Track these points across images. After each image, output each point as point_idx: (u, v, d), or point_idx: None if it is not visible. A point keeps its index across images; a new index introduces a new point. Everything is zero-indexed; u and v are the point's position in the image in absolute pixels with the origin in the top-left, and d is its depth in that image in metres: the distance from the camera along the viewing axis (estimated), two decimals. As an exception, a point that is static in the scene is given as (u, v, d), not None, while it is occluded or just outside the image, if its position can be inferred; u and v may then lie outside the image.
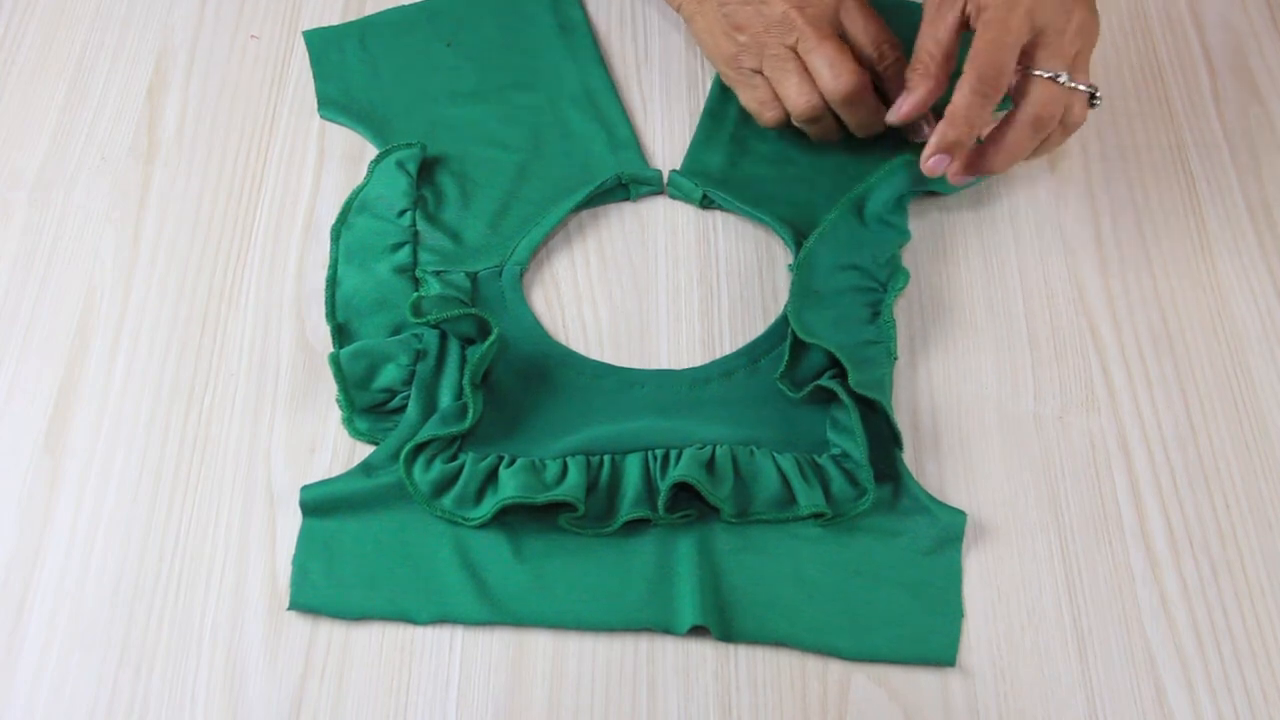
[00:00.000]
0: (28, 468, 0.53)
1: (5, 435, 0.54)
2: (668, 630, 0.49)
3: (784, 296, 0.59)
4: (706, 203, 0.62)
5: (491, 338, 0.53)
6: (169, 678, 0.49)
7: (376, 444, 0.54)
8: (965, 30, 0.55)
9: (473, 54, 0.67)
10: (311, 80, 0.66)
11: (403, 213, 0.59)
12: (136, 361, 0.57)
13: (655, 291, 0.60)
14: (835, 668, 0.49)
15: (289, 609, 0.50)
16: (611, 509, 0.52)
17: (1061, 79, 0.54)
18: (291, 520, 0.52)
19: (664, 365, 0.57)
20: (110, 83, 0.67)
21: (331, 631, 0.50)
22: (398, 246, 0.58)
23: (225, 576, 0.51)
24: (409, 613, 0.50)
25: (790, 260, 0.60)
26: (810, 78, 0.59)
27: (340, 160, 0.64)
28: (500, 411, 0.54)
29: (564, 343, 0.58)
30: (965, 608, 0.50)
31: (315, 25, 0.69)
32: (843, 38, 0.59)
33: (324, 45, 0.68)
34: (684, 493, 0.52)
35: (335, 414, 0.55)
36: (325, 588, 0.50)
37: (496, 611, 0.50)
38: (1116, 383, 0.57)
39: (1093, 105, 0.56)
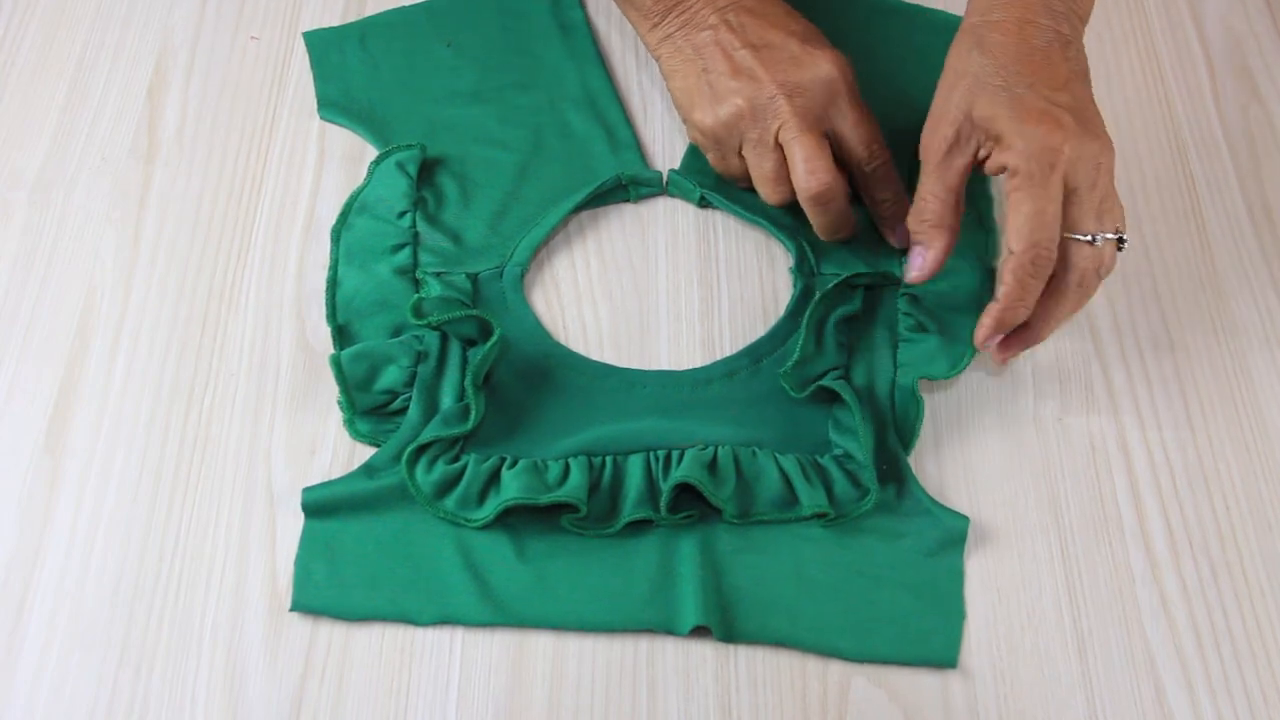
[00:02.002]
0: (28, 468, 0.53)
1: (5, 435, 0.54)
2: (670, 631, 0.49)
3: (784, 297, 0.59)
4: (704, 203, 0.62)
5: (493, 339, 0.53)
6: (169, 678, 0.49)
7: (378, 446, 0.54)
8: (974, 172, 0.53)
9: (473, 54, 0.67)
10: (311, 81, 0.66)
11: (403, 214, 0.59)
12: (136, 361, 0.57)
13: (656, 292, 0.60)
14: (835, 668, 0.49)
15: (291, 610, 0.50)
16: (614, 510, 0.52)
17: (1097, 241, 0.51)
18: (291, 521, 0.52)
19: (664, 365, 0.57)
20: (110, 83, 0.67)
21: (332, 632, 0.50)
22: (398, 248, 0.58)
23: (225, 576, 0.51)
24: (411, 614, 0.50)
25: (790, 263, 0.60)
26: (786, 170, 0.56)
27: (340, 161, 0.64)
28: (502, 413, 0.54)
29: (565, 343, 0.58)
30: (965, 609, 0.50)
31: (315, 26, 0.69)
32: (831, 135, 0.56)
33: (324, 46, 0.68)
34: (686, 493, 0.52)
35: (336, 415, 0.55)
36: (328, 589, 0.50)
37: (499, 612, 0.50)
38: (1116, 383, 0.57)
39: (1120, 248, 0.52)
